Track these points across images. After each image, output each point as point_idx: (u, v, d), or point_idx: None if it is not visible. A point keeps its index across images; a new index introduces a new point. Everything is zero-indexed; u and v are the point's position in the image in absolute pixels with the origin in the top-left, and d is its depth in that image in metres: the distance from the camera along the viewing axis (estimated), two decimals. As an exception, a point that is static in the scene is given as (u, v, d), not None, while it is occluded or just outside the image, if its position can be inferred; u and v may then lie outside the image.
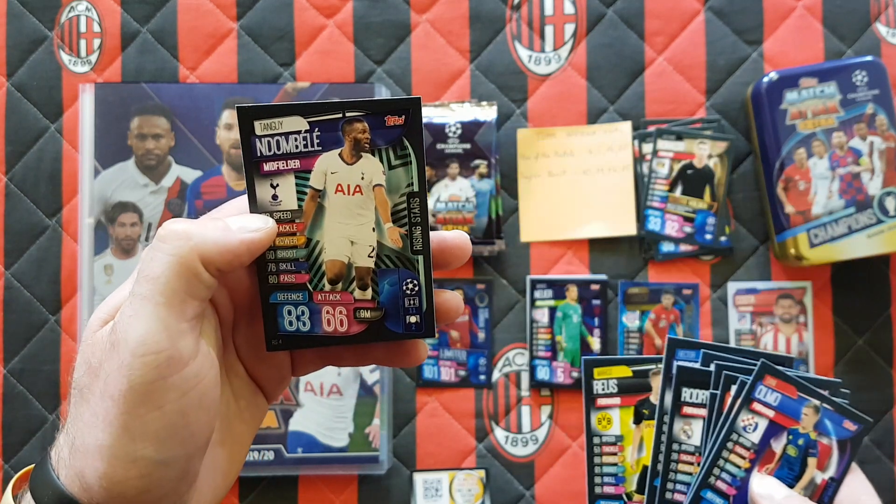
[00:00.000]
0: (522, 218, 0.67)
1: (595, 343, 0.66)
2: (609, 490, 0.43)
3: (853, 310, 0.67)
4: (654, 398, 0.43)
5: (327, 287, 0.34)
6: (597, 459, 0.43)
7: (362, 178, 0.33)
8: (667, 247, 0.66)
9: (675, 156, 0.66)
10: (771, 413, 0.41)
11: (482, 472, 0.65)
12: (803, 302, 0.66)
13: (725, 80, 0.67)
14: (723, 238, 0.66)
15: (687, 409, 0.42)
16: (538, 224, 0.67)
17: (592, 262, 0.67)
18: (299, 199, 0.33)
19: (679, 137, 0.66)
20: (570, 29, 0.68)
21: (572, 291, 0.66)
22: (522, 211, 0.67)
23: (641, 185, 0.67)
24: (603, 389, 0.43)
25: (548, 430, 0.66)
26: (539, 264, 0.67)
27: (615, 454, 0.43)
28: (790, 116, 0.63)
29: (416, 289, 0.34)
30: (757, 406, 0.41)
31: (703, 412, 0.42)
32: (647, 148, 0.66)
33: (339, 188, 0.33)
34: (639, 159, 0.67)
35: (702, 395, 0.42)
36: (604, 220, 0.67)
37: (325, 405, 0.64)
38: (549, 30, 0.68)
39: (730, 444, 0.41)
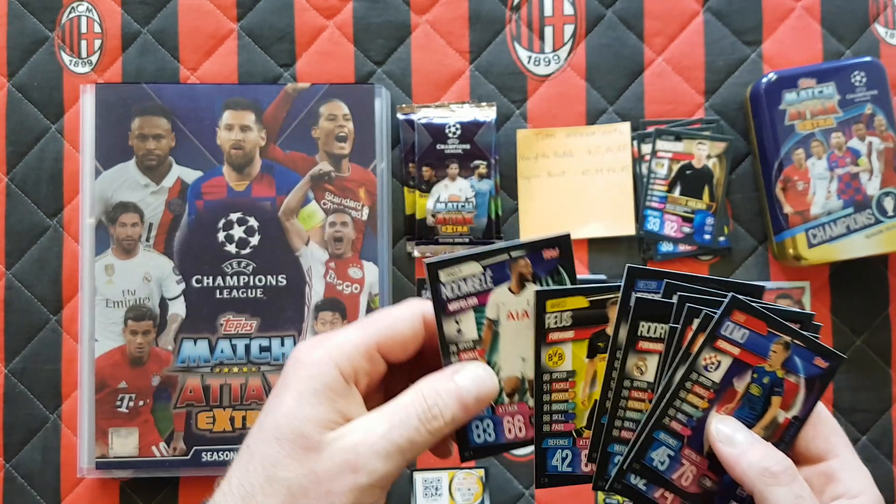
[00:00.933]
0: (522, 218, 0.67)
1: (594, 343, 0.66)
2: (558, 427, 0.40)
3: (851, 310, 0.67)
4: (609, 330, 0.40)
5: (506, 400, 0.39)
6: (546, 397, 0.40)
7: (528, 304, 0.39)
8: (665, 247, 0.67)
9: (673, 156, 0.67)
10: (736, 351, 0.38)
11: (482, 472, 0.66)
12: (801, 302, 0.66)
13: (724, 80, 0.68)
14: (721, 238, 0.66)
15: (643, 344, 0.39)
16: (538, 224, 0.67)
17: (591, 262, 0.67)
18: (478, 329, 0.39)
19: (678, 138, 0.67)
20: (569, 30, 0.68)
21: (571, 291, 0.66)
22: (522, 211, 0.67)
23: (640, 186, 0.67)
24: (556, 323, 0.39)
25: (547, 429, 0.66)
26: (538, 264, 0.67)
27: (566, 391, 0.40)
28: (789, 117, 0.63)
29: None
30: (722, 344, 0.38)
31: (661, 347, 0.39)
32: (646, 148, 0.67)
33: (510, 315, 0.39)
34: (638, 160, 0.67)
35: (661, 329, 0.38)
36: (603, 221, 0.67)
37: (325, 405, 0.64)
38: (548, 31, 0.68)
39: (688, 384, 0.38)
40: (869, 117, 0.63)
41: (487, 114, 0.66)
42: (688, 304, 0.39)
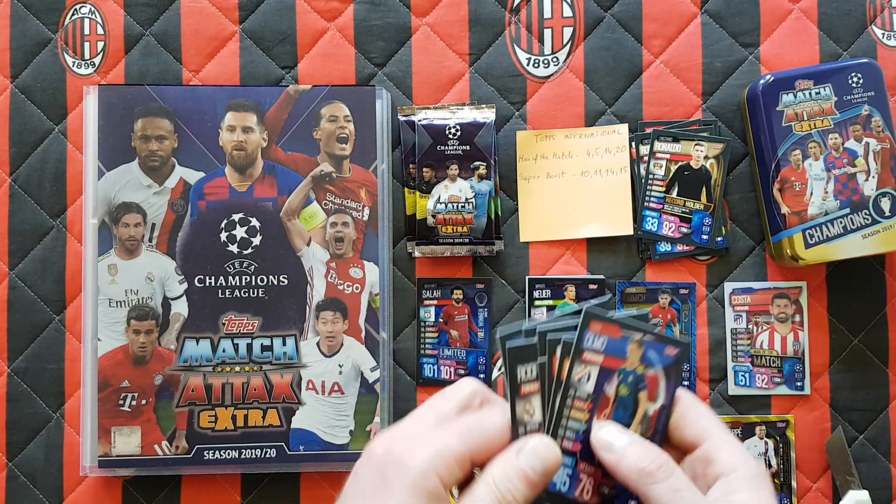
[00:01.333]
0: (522, 218, 0.68)
1: (593, 342, 0.67)
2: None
3: (849, 309, 0.67)
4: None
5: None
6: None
7: None
8: (664, 247, 0.67)
9: (671, 157, 0.67)
10: (600, 359, 0.41)
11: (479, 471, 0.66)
12: (799, 301, 0.67)
13: (722, 82, 0.68)
14: (719, 238, 0.67)
15: (526, 388, 0.40)
16: (537, 224, 0.68)
17: (590, 262, 0.67)
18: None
19: (676, 139, 0.67)
20: (568, 32, 0.69)
21: (570, 291, 0.67)
22: (522, 211, 0.68)
23: (639, 186, 0.67)
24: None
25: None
26: (538, 264, 0.68)
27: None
28: (786, 118, 0.64)
29: None
30: (587, 356, 0.40)
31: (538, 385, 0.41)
32: (645, 149, 0.67)
33: None
34: (636, 161, 0.67)
35: (534, 367, 0.40)
36: (601, 221, 0.67)
37: (326, 403, 0.65)
38: (547, 33, 0.69)
39: (568, 401, 0.40)
40: (866, 118, 0.63)
41: (487, 115, 0.67)
42: (548, 337, 0.41)
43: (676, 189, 0.67)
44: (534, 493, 0.38)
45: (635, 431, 0.40)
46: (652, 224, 0.67)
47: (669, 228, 0.67)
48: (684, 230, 0.67)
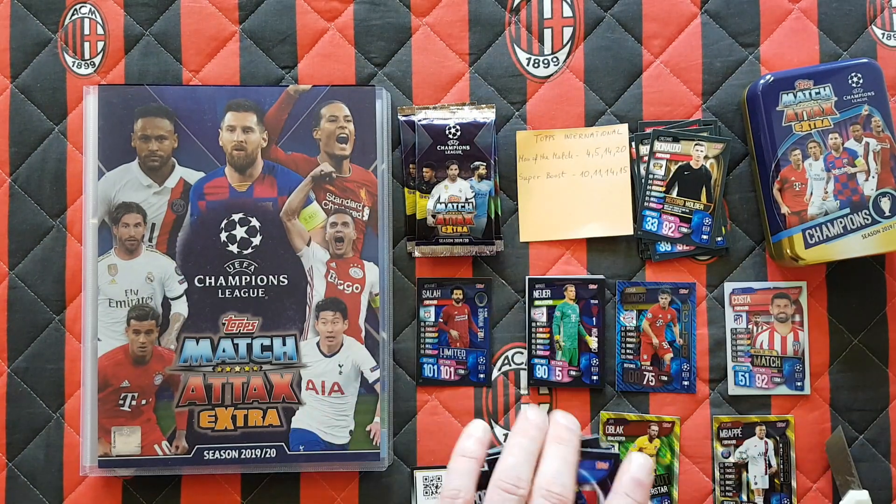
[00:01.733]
0: (521, 218, 0.68)
1: (593, 342, 0.67)
2: None
3: (848, 309, 0.67)
4: None
5: None
6: None
7: None
8: (663, 247, 0.67)
9: (671, 157, 0.67)
10: None
11: (481, 470, 0.66)
12: (799, 301, 0.67)
13: (722, 82, 0.68)
14: (719, 238, 0.67)
15: None
16: (537, 224, 0.68)
17: (590, 262, 0.67)
18: None
19: (676, 139, 0.67)
20: (568, 32, 0.69)
21: (570, 291, 0.67)
22: (521, 211, 0.68)
23: (639, 186, 0.67)
24: None
25: (546, 428, 0.67)
26: (537, 264, 0.68)
27: None
28: (786, 118, 0.64)
29: None
30: None
31: None
32: (645, 149, 0.67)
33: None
34: (636, 160, 0.67)
35: None
36: (601, 221, 0.67)
37: (326, 403, 0.65)
38: (547, 33, 0.69)
39: None
40: (866, 118, 0.63)
41: (487, 115, 0.67)
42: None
43: (676, 189, 0.67)
44: None
45: None
46: (652, 224, 0.67)
47: (669, 228, 0.67)
48: (684, 230, 0.67)
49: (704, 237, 0.67)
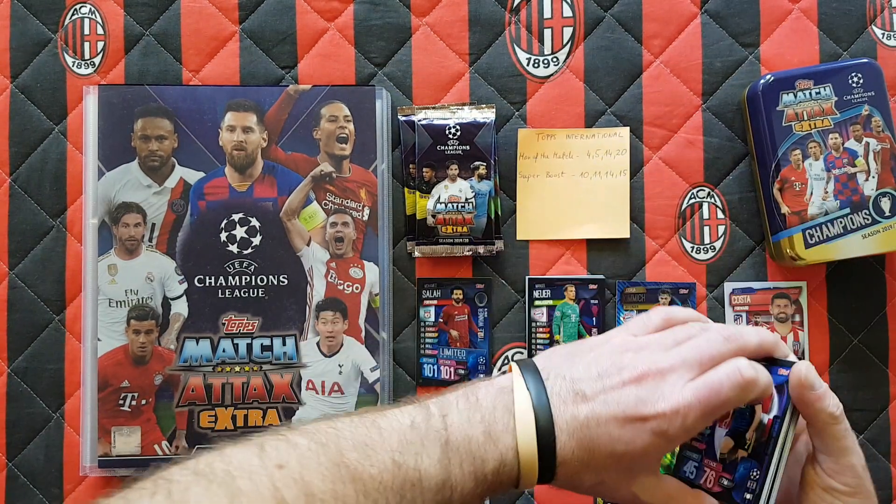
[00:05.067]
0: (519, 216, 0.68)
1: (593, 342, 0.67)
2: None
3: (848, 309, 0.67)
4: None
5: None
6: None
7: None
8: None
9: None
10: None
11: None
12: (799, 301, 0.67)
13: (722, 82, 0.68)
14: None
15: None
16: (535, 223, 0.68)
17: (590, 262, 0.67)
18: None
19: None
20: (568, 32, 0.69)
21: (570, 291, 0.67)
22: (520, 209, 0.68)
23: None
24: None
25: (546, 428, 0.67)
26: (537, 264, 0.68)
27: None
28: (786, 118, 0.64)
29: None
30: None
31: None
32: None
33: None
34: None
35: None
36: (599, 222, 0.67)
37: (326, 403, 0.65)
38: (547, 33, 0.69)
39: None
40: (866, 118, 0.63)
41: (487, 115, 0.67)
42: None
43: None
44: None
45: (751, 437, 0.47)
46: (652, 224, 0.67)
47: (669, 228, 0.67)
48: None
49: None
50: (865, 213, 0.62)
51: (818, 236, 0.63)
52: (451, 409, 0.42)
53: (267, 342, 0.65)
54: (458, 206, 0.66)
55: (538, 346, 0.67)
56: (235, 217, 0.65)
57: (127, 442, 0.64)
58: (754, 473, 0.45)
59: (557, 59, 0.68)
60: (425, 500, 0.40)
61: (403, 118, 0.67)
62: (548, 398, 0.43)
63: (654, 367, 0.44)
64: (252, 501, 0.35)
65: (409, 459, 0.39)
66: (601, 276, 0.67)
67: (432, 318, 0.67)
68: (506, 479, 0.42)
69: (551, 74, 0.68)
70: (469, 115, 0.67)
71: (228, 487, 0.35)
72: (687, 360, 0.44)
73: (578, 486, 0.44)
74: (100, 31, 0.69)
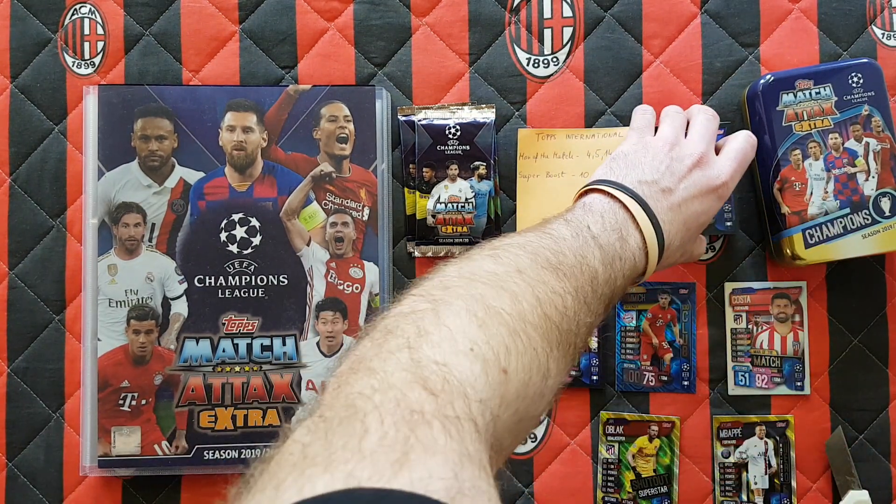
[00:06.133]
0: (519, 216, 0.68)
1: (592, 342, 0.67)
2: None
3: (848, 309, 0.67)
4: None
5: None
6: None
7: None
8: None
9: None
10: None
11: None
12: (799, 301, 0.67)
13: (722, 82, 0.68)
14: (728, 223, 0.67)
15: None
16: (534, 223, 0.67)
17: (590, 262, 0.67)
18: None
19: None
20: (568, 32, 0.69)
21: (570, 291, 0.67)
22: (520, 209, 0.68)
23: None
24: None
25: (546, 427, 0.67)
26: (538, 264, 0.67)
27: None
28: (786, 118, 0.64)
29: None
30: None
31: None
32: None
33: None
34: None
35: None
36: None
37: (326, 403, 0.65)
38: (547, 33, 0.69)
39: None
40: (866, 118, 0.63)
41: (487, 115, 0.67)
42: None
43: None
44: None
45: None
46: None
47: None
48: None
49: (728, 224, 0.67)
50: (865, 213, 0.62)
51: (818, 236, 0.63)
52: (590, 222, 0.51)
53: (267, 342, 0.65)
54: (458, 206, 0.66)
55: (538, 346, 0.66)
56: (235, 217, 0.65)
57: (127, 442, 0.64)
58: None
59: (557, 59, 0.68)
60: (601, 296, 0.48)
61: (403, 118, 0.67)
62: (644, 200, 0.53)
63: (697, 151, 0.57)
64: (524, 296, 0.42)
65: (589, 259, 0.47)
66: None
67: (432, 318, 0.67)
68: (636, 273, 0.52)
69: (551, 74, 0.68)
70: (469, 115, 0.67)
71: (504, 289, 0.42)
72: (707, 141, 0.58)
73: (671, 262, 0.57)
74: (100, 31, 0.69)
